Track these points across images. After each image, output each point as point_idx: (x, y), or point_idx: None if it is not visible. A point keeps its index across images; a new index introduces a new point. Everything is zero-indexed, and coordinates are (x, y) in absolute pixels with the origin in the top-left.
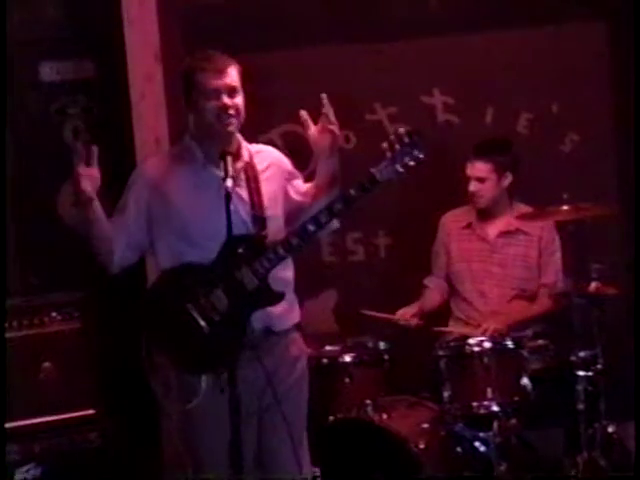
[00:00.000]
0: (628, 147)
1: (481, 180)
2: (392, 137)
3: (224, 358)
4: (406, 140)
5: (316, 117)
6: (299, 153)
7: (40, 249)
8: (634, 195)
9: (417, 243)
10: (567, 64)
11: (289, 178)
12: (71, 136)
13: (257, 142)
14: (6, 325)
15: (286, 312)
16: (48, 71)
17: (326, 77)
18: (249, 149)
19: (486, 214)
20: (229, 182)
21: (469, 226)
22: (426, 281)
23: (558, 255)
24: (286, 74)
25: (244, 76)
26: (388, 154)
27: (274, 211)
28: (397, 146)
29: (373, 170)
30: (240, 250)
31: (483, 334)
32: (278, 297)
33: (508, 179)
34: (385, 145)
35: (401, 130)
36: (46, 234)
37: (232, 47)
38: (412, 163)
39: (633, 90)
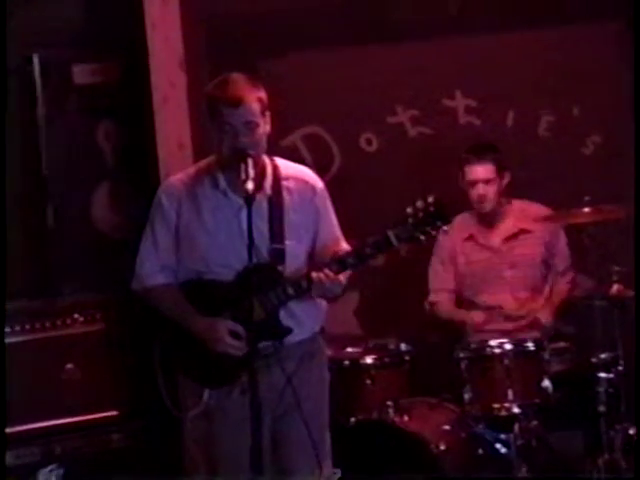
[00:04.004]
0: None
1: (487, 182)
2: (419, 203)
3: (227, 376)
4: (431, 209)
5: (337, 119)
6: (321, 156)
7: (72, 253)
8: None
9: None
10: (588, 66)
11: (320, 217)
12: (103, 139)
13: (279, 147)
14: (29, 327)
15: (303, 324)
16: (81, 73)
17: (348, 79)
18: (278, 173)
19: (488, 221)
20: (250, 185)
21: (471, 237)
22: (432, 299)
23: (562, 243)
24: (308, 77)
25: (268, 80)
26: (410, 220)
27: (295, 244)
28: (421, 214)
29: (389, 233)
30: (253, 280)
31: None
32: (285, 332)
33: (507, 178)
34: (409, 210)
35: (429, 199)
36: (74, 236)
37: (255, 53)
38: (433, 232)
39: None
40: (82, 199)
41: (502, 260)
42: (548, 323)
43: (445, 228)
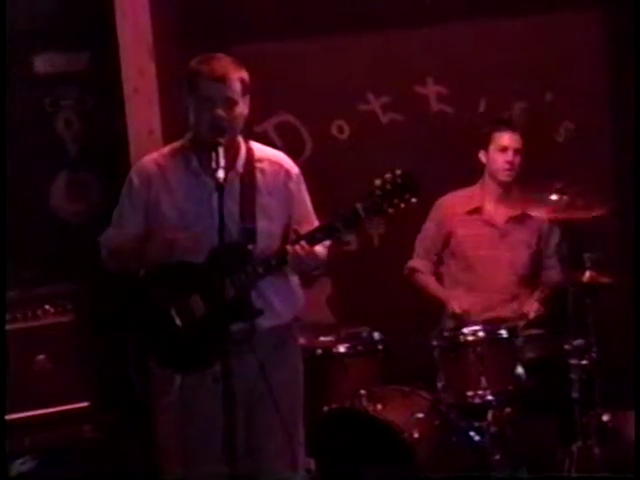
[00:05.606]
0: (623, 135)
1: (516, 152)
2: (387, 176)
3: (200, 360)
4: (399, 181)
5: (309, 106)
6: (293, 143)
7: (32, 242)
8: (634, 189)
9: (411, 233)
10: (561, 52)
11: (294, 202)
12: (63, 128)
13: (252, 133)
14: None
15: (275, 309)
16: (42, 63)
17: (319, 67)
18: (252, 155)
19: (498, 196)
20: (220, 173)
21: (476, 211)
22: (416, 264)
23: (555, 241)
24: (280, 64)
25: None
26: (377, 192)
27: (267, 224)
28: (388, 186)
29: (358, 205)
30: (223, 259)
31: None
32: (255, 312)
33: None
34: (377, 182)
35: (397, 171)
36: (38, 227)
37: (226, 38)
38: (402, 205)
39: (634, 81)
40: (44, 188)
41: (503, 240)
42: (535, 314)
43: (413, 200)
